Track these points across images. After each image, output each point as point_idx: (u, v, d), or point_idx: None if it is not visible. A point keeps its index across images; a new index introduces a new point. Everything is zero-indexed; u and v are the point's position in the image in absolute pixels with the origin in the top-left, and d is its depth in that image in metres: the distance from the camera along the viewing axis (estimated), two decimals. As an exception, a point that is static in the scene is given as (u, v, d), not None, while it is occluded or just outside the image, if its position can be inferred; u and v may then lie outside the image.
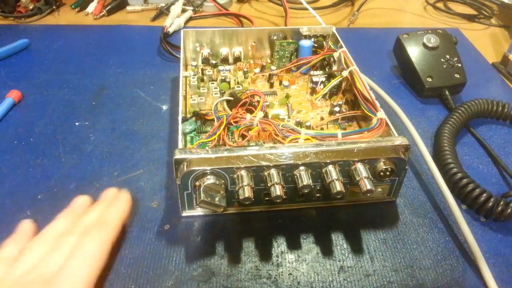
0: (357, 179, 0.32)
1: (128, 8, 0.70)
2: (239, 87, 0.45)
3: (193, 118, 0.40)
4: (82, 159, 0.41)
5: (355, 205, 0.37)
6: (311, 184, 0.32)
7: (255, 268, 0.32)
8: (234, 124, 0.38)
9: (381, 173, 0.33)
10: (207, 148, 0.33)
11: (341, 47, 0.46)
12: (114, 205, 0.32)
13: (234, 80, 0.48)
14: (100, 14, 0.68)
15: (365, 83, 0.40)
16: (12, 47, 0.57)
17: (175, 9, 0.67)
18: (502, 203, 0.35)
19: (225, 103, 0.41)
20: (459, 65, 0.50)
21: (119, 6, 0.70)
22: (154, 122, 0.46)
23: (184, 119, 0.40)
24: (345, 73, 0.43)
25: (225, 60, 0.51)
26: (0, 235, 0.33)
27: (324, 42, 0.49)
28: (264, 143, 0.39)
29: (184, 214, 0.35)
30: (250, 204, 0.34)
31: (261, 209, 0.36)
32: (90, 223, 0.30)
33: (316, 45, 0.48)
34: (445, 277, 0.32)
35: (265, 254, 0.33)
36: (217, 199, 0.31)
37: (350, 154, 0.33)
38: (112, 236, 0.29)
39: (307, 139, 0.35)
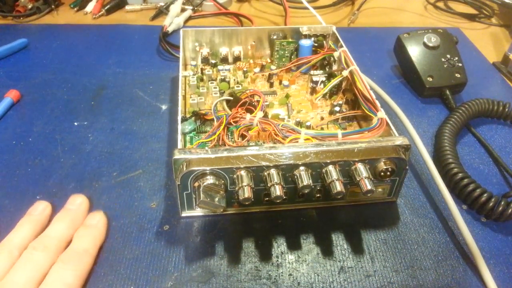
0: (358, 179, 0.32)
1: (127, 7, 0.70)
2: (238, 86, 0.45)
3: (193, 118, 0.40)
4: (81, 159, 0.41)
5: (356, 206, 0.37)
6: (311, 184, 0.32)
7: (255, 268, 0.32)
8: (234, 124, 0.38)
9: (382, 173, 0.33)
10: (206, 148, 0.33)
11: (341, 46, 0.46)
12: (92, 232, 0.33)
13: (234, 79, 0.47)
14: (99, 14, 0.68)
15: (365, 83, 0.40)
16: (11, 47, 0.57)
17: (175, 8, 0.66)
18: (503, 203, 0.35)
19: (224, 103, 0.41)
20: (460, 64, 0.50)
21: (118, 5, 0.70)
22: (153, 122, 0.46)
23: (184, 119, 0.40)
24: (345, 73, 0.43)
25: (224, 60, 0.50)
26: (-2, 236, 0.33)
27: (324, 42, 0.49)
28: (264, 143, 0.39)
29: (184, 214, 0.35)
30: (250, 205, 0.33)
31: (261, 209, 0.36)
32: (69, 252, 0.31)
33: (316, 44, 0.48)
34: (446, 278, 0.32)
35: (265, 255, 0.33)
36: (216, 199, 0.31)
37: (351, 154, 0.32)
38: (89, 266, 0.31)
39: (307, 139, 0.35)
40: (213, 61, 0.50)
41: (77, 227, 0.33)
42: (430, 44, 0.51)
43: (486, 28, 0.69)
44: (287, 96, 0.45)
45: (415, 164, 0.42)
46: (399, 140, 0.33)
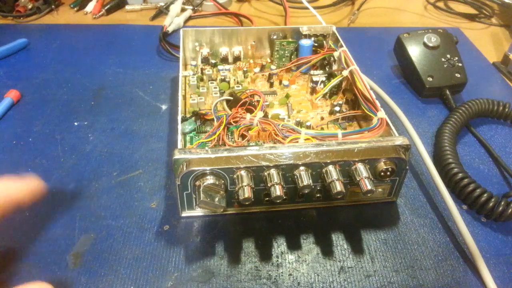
0: (358, 179, 0.32)
1: (127, 7, 0.70)
2: (238, 86, 0.45)
3: (193, 118, 0.40)
4: (81, 159, 0.41)
5: (356, 206, 0.37)
6: (311, 184, 0.32)
7: (255, 268, 0.32)
8: (234, 124, 0.38)
9: (382, 173, 0.33)
10: (206, 148, 0.33)
11: (341, 46, 0.46)
12: (11, 180, 0.28)
13: (234, 79, 0.47)
14: (99, 14, 0.68)
15: (365, 83, 0.40)
16: (11, 47, 0.57)
17: (175, 8, 0.66)
18: (503, 203, 0.35)
19: (224, 103, 0.41)
20: (460, 64, 0.50)
21: (118, 5, 0.70)
22: (153, 122, 0.46)
23: (184, 119, 0.40)
24: (345, 73, 0.43)
25: (224, 60, 0.50)
26: (-2, 236, 0.33)
27: (324, 42, 0.49)
28: (264, 143, 0.39)
29: (184, 214, 0.35)
30: (250, 205, 0.33)
31: (261, 210, 0.36)
32: None
33: (316, 44, 0.48)
34: (446, 278, 0.32)
35: (265, 255, 0.33)
36: (216, 199, 0.31)
37: (351, 154, 0.32)
38: None
39: (307, 139, 0.35)
40: (213, 61, 0.50)
41: None
42: (430, 44, 0.51)
43: (486, 28, 0.69)
44: (287, 96, 0.45)
45: (415, 164, 0.42)
46: (399, 140, 0.33)
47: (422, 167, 0.41)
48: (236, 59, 0.51)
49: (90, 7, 0.69)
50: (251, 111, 0.39)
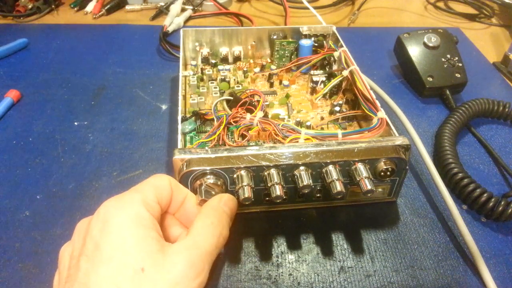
0: (358, 179, 0.32)
1: (128, 7, 0.70)
2: (239, 86, 0.45)
3: (193, 118, 0.40)
4: (81, 159, 0.41)
5: (356, 205, 0.37)
6: (311, 184, 0.32)
7: (255, 268, 0.32)
8: (234, 124, 0.38)
9: (382, 173, 0.33)
10: (206, 148, 0.33)
11: (342, 46, 0.46)
12: None
13: (234, 79, 0.47)
14: (99, 13, 0.68)
15: (365, 83, 0.40)
16: (11, 47, 0.57)
17: (175, 8, 0.66)
18: (503, 203, 0.35)
19: (224, 103, 0.41)
20: (460, 64, 0.50)
21: (118, 5, 0.70)
22: (154, 121, 0.46)
23: (184, 119, 0.40)
24: (345, 73, 0.43)
25: (224, 60, 0.50)
26: (-2, 236, 0.33)
27: (324, 42, 0.49)
28: (264, 143, 0.39)
29: (184, 214, 0.35)
30: (250, 204, 0.33)
31: (261, 209, 0.36)
32: None
33: (316, 44, 0.48)
34: (446, 278, 0.32)
35: (265, 255, 0.33)
36: (216, 199, 0.31)
37: (351, 154, 0.32)
38: None
39: (307, 139, 0.35)
40: (213, 61, 0.50)
41: None
42: (430, 44, 0.51)
43: (486, 28, 0.69)
44: (287, 96, 0.45)
45: (415, 164, 0.42)
46: (399, 140, 0.33)
47: (422, 167, 0.41)
48: (236, 59, 0.51)
49: (90, 7, 0.69)
50: (251, 111, 0.39)
